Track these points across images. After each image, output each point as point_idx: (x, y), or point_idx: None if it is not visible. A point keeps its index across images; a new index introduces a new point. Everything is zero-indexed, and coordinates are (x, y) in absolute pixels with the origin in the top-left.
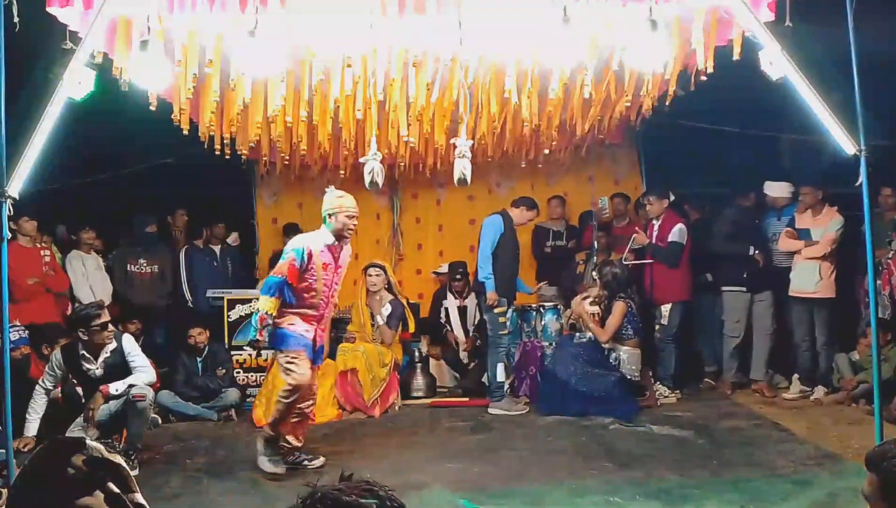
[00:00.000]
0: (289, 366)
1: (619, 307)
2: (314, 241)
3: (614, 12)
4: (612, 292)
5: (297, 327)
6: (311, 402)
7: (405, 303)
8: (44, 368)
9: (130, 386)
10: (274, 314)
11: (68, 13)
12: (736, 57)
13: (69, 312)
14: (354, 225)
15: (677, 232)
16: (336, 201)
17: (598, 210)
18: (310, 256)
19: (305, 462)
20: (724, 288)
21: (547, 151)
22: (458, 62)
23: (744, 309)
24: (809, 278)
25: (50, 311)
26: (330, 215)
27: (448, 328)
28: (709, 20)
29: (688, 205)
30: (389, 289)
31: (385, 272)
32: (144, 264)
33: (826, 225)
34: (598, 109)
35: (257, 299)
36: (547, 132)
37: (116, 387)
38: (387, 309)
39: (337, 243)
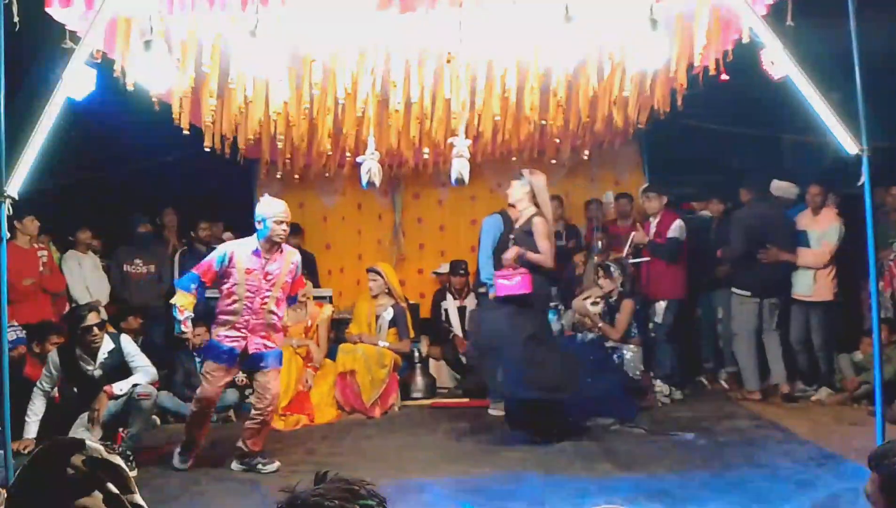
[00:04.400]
0: (203, 377)
1: (627, 305)
2: (239, 246)
3: (616, 11)
4: (625, 289)
5: (221, 337)
6: (271, 408)
7: (406, 307)
8: (37, 365)
9: (134, 386)
10: (189, 308)
11: (67, 13)
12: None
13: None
14: (284, 230)
15: (676, 228)
16: (263, 207)
17: (603, 204)
18: (230, 259)
19: (259, 466)
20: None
21: (549, 152)
22: (458, 61)
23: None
24: (805, 282)
25: (46, 311)
26: (258, 222)
27: (451, 329)
28: (710, 20)
29: (714, 200)
30: (390, 293)
31: (382, 277)
32: (140, 264)
33: (824, 228)
34: (603, 109)
35: None
36: (546, 132)
37: (121, 387)
38: (389, 313)
39: (265, 249)
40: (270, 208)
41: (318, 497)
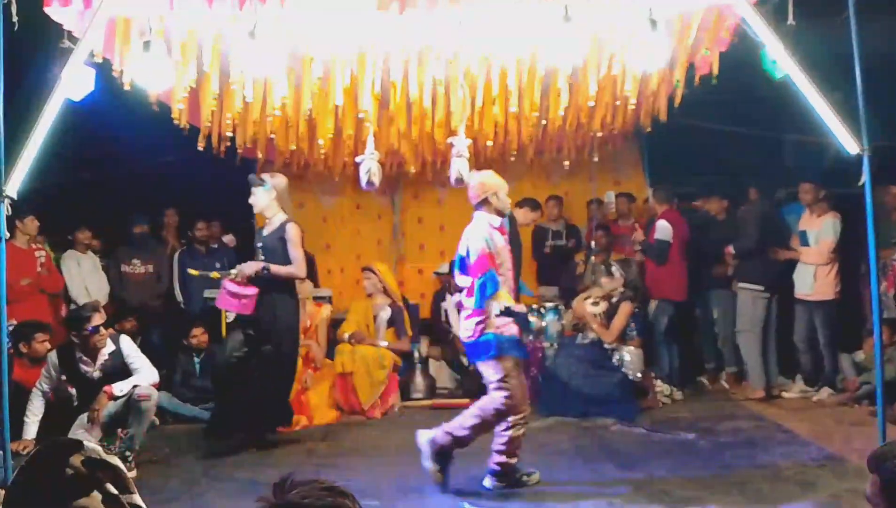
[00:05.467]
0: (505, 383)
1: (624, 308)
2: (488, 224)
3: (615, 12)
4: (635, 290)
5: (506, 326)
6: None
7: (403, 306)
8: (26, 366)
9: (134, 387)
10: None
11: (65, 13)
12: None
13: (63, 312)
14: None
15: (661, 230)
16: (489, 180)
17: (604, 204)
18: (492, 238)
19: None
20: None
21: (549, 152)
22: (458, 61)
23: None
24: (805, 281)
25: (43, 311)
26: (490, 196)
27: (451, 330)
28: (710, 20)
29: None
30: (386, 293)
31: (376, 275)
32: (138, 264)
33: (819, 226)
34: (603, 109)
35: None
36: (544, 132)
37: (121, 388)
38: (386, 313)
39: (501, 223)
40: (497, 180)
41: (309, 500)
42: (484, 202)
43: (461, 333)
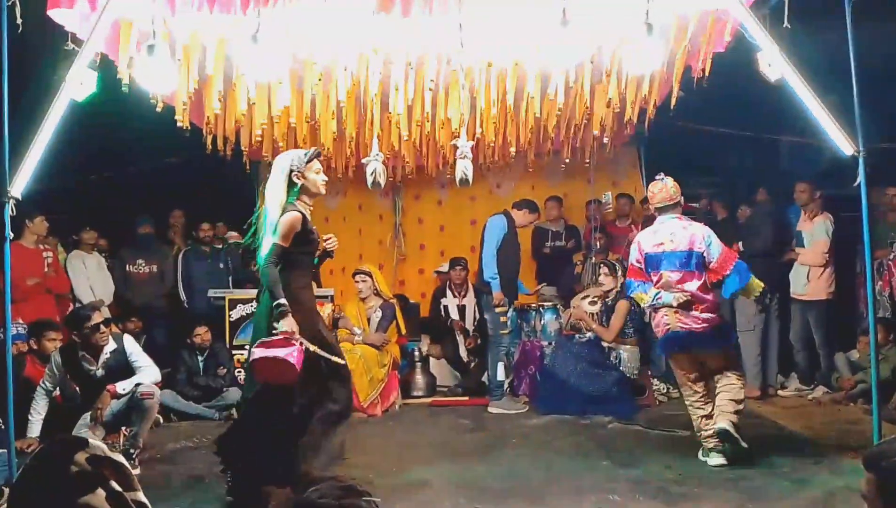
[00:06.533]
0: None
1: (621, 306)
2: None
3: (612, 15)
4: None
5: None
6: None
7: (395, 305)
8: (35, 363)
9: (137, 385)
10: None
11: (68, 15)
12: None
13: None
14: None
15: None
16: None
17: (602, 204)
18: None
19: None
20: None
21: (548, 154)
22: (458, 64)
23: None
24: (799, 281)
25: (50, 311)
26: (682, 197)
27: (451, 320)
28: (706, 22)
29: (714, 203)
30: (378, 294)
31: (371, 278)
32: (143, 264)
33: (812, 227)
34: (600, 112)
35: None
36: (544, 134)
37: (124, 386)
38: (378, 314)
39: None
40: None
41: (326, 500)
42: (677, 205)
43: (688, 324)
